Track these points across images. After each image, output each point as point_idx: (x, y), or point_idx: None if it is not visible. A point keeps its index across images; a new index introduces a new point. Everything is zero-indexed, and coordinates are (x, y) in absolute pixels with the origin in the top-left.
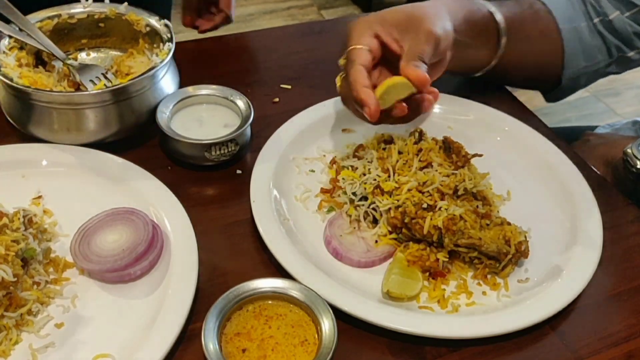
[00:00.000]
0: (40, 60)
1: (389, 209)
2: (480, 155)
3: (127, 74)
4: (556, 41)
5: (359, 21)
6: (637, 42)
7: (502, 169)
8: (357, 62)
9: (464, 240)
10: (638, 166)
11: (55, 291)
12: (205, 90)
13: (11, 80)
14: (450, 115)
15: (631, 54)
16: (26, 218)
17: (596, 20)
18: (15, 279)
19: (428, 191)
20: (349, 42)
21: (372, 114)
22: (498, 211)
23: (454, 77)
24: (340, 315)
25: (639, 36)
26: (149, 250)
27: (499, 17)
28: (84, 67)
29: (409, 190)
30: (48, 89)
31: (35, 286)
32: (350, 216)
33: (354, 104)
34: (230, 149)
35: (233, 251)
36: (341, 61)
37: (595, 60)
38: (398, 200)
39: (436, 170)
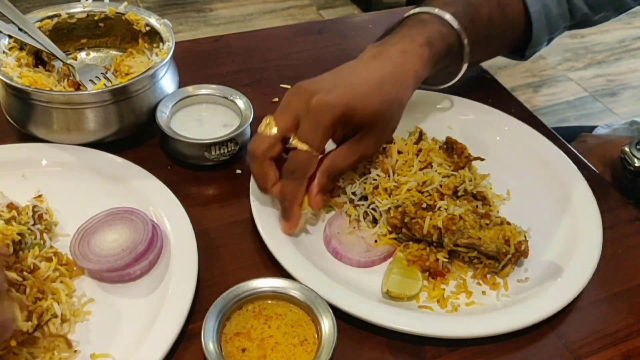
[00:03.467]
0: (40, 60)
1: (389, 208)
2: (482, 159)
3: (127, 74)
4: (524, 26)
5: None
6: (603, 7)
7: (502, 169)
8: (308, 173)
9: (464, 240)
10: (636, 164)
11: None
12: (205, 90)
13: (11, 79)
14: (450, 115)
15: (596, 17)
16: (36, 214)
17: None
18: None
19: (428, 191)
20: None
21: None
22: (498, 211)
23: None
24: (340, 315)
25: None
26: (148, 250)
27: (464, 41)
28: (83, 67)
29: (409, 190)
30: (48, 89)
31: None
32: (350, 216)
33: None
34: (230, 149)
35: (233, 251)
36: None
37: (557, 29)
38: (398, 200)
39: (436, 171)
